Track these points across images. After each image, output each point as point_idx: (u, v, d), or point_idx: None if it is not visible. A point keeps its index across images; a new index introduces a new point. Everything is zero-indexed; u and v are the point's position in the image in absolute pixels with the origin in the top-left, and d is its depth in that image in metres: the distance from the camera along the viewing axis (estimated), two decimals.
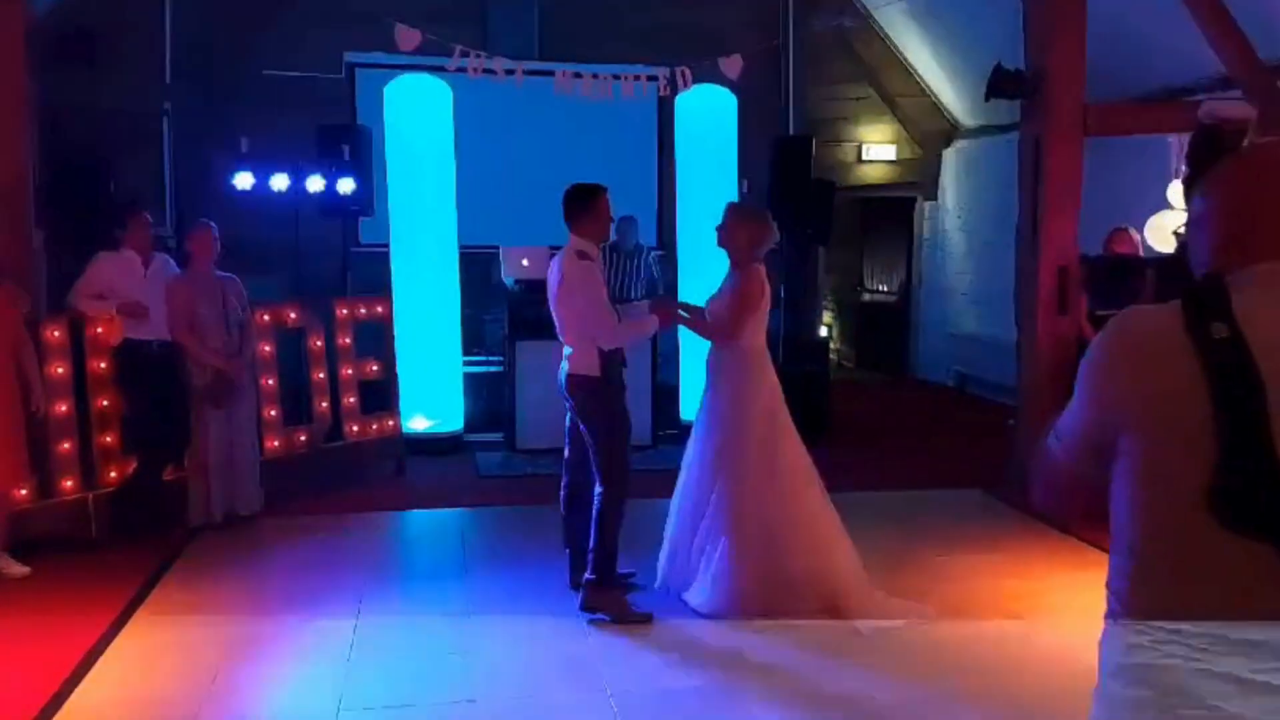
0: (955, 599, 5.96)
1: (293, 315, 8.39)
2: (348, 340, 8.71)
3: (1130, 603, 1.96)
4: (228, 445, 7.34)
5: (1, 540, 6.37)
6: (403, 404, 9.14)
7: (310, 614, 5.77)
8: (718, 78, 10.28)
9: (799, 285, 11.98)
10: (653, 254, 10.98)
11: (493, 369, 10.69)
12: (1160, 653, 1.89)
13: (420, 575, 6.59)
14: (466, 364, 10.41)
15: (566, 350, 5.82)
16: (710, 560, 5.74)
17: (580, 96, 9.39)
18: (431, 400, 9.88)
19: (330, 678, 4.97)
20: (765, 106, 12.40)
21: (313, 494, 8.13)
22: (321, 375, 8.56)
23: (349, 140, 9.78)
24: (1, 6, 6.95)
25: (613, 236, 10.67)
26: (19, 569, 6.30)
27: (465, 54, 8.92)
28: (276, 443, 8.14)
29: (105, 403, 7.18)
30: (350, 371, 8.72)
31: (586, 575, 5.75)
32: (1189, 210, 2.14)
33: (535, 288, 9.85)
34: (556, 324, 5.89)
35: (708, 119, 10.44)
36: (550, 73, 9.36)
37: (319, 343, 8.56)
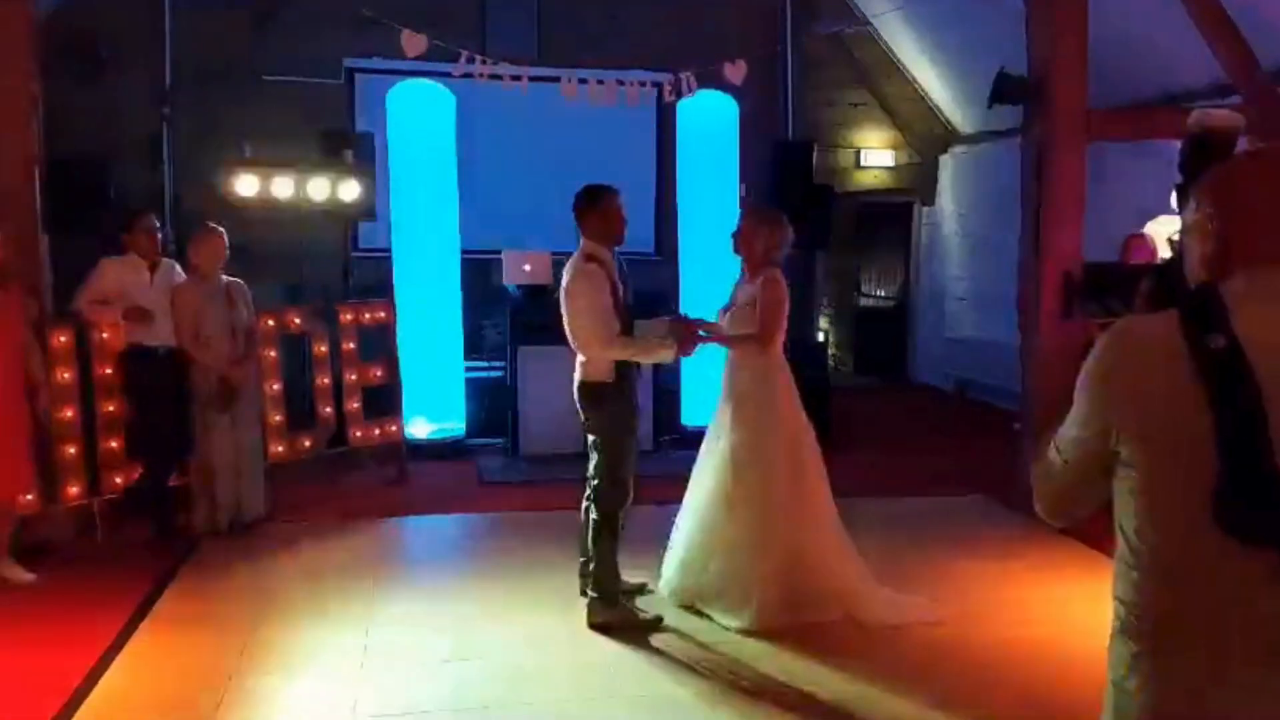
0: (964, 606, 5.95)
1: (296, 320, 8.39)
2: (351, 345, 8.70)
3: (1136, 613, 1.98)
4: (233, 451, 7.31)
5: (6, 546, 6.35)
6: (405, 409, 9.12)
7: (321, 620, 5.75)
8: (718, 83, 10.28)
9: (797, 290, 11.94)
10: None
11: (494, 374, 10.68)
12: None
13: (429, 581, 6.55)
14: (468, 369, 10.39)
15: (580, 358, 5.75)
16: (734, 575, 5.66)
17: (584, 102, 9.37)
18: (434, 405, 9.87)
19: (344, 685, 4.96)
20: (764, 112, 12.41)
21: (316, 499, 8.13)
22: (325, 380, 8.55)
23: (351, 145, 9.77)
24: (8, 7, 6.91)
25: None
26: (25, 576, 6.28)
27: (471, 59, 8.89)
28: (281, 448, 8.13)
29: (110, 408, 7.17)
30: (354, 376, 8.71)
31: (590, 592, 5.73)
32: (1182, 218, 2.16)
33: (537, 292, 9.88)
34: (568, 333, 5.79)
35: (709, 124, 10.45)
36: (554, 79, 9.34)
37: (322, 348, 8.55)
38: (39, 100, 7.19)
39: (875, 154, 14.45)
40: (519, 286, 10.05)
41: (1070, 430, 2.10)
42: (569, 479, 8.70)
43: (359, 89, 12.07)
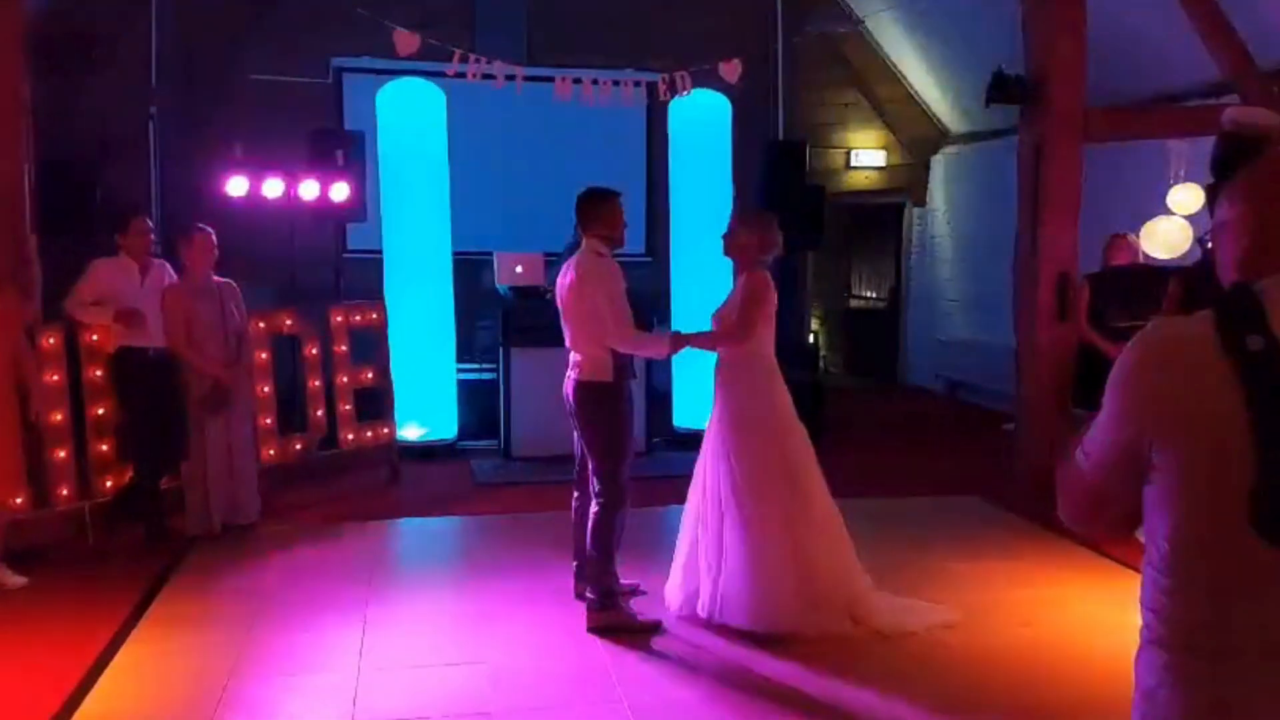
0: (964, 608, 5.89)
1: (288, 322, 8.31)
2: (343, 347, 8.64)
3: (1169, 621, 1.92)
4: (225, 453, 7.25)
5: None
6: (397, 411, 9.06)
7: (316, 624, 5.69)
8: (711, 82, 10.24)
9: (788, 291, 11.90)
10: None
11: (486, 376, 10.63)
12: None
13: (424, 584, 6.49)
14: (460, 371, 10.33)
15: (573, 358, 5.69)
16: (739, 580, 5.56)
17: (576, 102, 9.30)
18: (426, 407, 9.81)
19: (341, 689, 4.90)
20: (754, 112, 12.36)
21: (309, 502, 8.08)
22: (317, 383, 8.48)
23: (342, 145, 9.71)
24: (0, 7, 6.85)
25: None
26: (16, 580, 6.19)
27: (464, 59, 8.82)
28: (272, 451, 8.07)
29: (101, 411, 7.09)
30: (345, 379, 8.65)
31: (589, 596, 5.67)
32: (1213, 218, 2.10)
33: (529, 294, 9.84)
34: (565, 331, 5.73)
35: (702, 124, 10.40)
36: (547, 78, 9.28)
37: (314, 350, 8.48)
38: (29, 101, 7.12)
39: (866, 154, 14.43)
40: (511, 288, 9.99)
41: (1100, 434, 2.03)
42: (562, 480, 8.67)
43: (348, 89, 12.01)
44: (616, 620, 5.59)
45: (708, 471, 5.73)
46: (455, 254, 10.24)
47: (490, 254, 10.41)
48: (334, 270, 10.13)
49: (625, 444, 5.67)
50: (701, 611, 5.66)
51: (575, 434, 5.83)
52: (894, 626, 5.58)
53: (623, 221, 5.72)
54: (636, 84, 9.53)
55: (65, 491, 6.86)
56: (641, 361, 7.47)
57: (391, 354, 9.00)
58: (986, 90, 8.33)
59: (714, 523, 5.64)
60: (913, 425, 12.09)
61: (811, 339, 13.58)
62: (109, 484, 7.08)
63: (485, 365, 10.85)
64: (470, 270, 11.10)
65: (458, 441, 10.07)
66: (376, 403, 8.90)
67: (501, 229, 11.49)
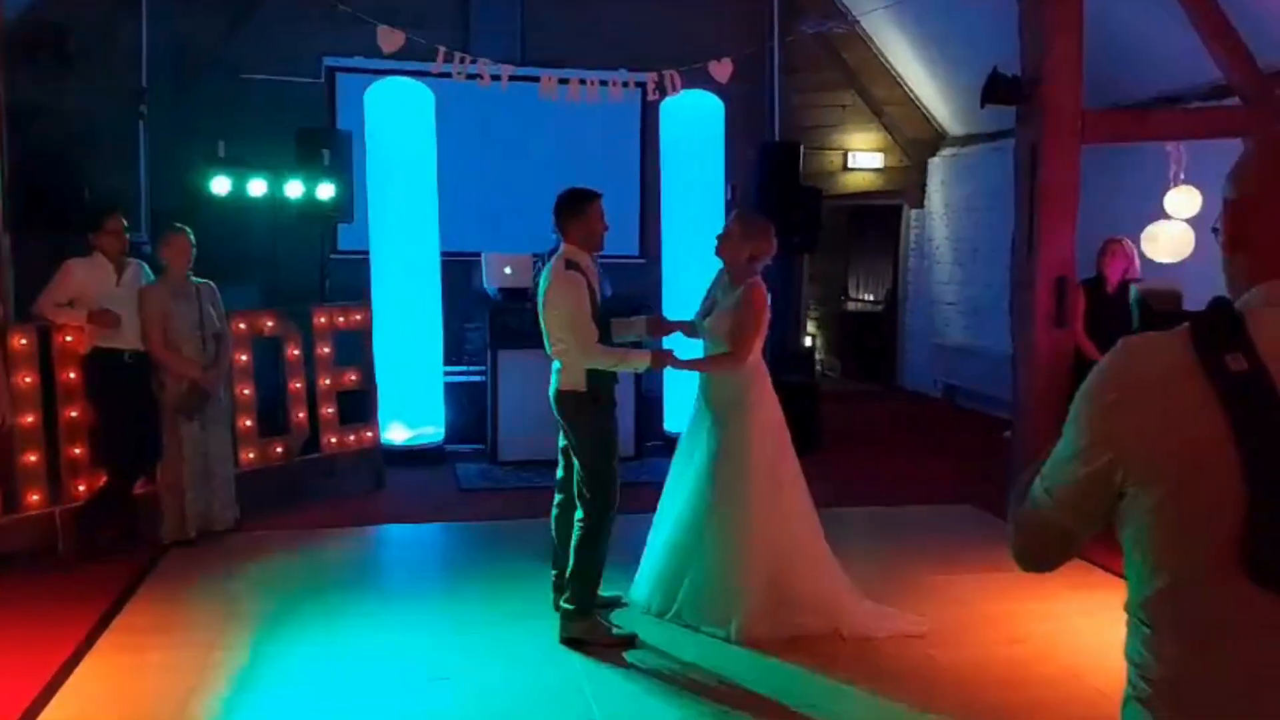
0: (956, 621, 5.79)
1: (270, 323, 8.16)
2: (326, 349, 8.48)
3: (1153, 678, 1.71)
4: (202, 458, 7.10)
5: None
6: (381, 414, 8.91)
7: (288, 635, 5.54)
8: (704, 83, 10.10)
9: (784, 294, 11.79)
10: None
11: (474, 379, 10.48)
12: None
13: (401, 594, 6.35)
14: (447, 373, 10.18)
15: (555, 364, 5.56)
16: (715, 586, 5.48)
17: (565, 102, 9.16)
18: (411, 410, 9.66)
19: (310, 704, 4.76)
20: (749, 113, 12.23)
21: (289, 508, 7.93)
22: (299, 385, 8.33)
23: (329, 145, 9.56)
24: None
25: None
26: None
27: (449, 58, 8.67)
28: (252, 455, 7.91)
29: (74, 414, 6.92)
30: (328, 381, 8.49)
31: (564, 604, 5.53)
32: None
33: (518, 296, 9.69)
34: (546, 338, 5.61)
35: (694, 124, 10.24)
36: (534, 78, 9.13)
37: (296, 352, 8.32)
38: (2, 98, 6.98)
39: (863, 156, 14.26)
40: (500, 289, 9.85)
41: (1065, 467, 1.80)
42: (548, 485, 8.56)
43: (340, 88, 11.86)
44: (590, 632, 5.46)
45: (689, 473, 5.63)
46: (443, 255, 10.08)
47: (479, 255, 10.26)
48: (319, 271, 9.98)
49: (606, 452, 5.54)
50: (668, 608, 5.64)
51: (559, 440, 5.72)
52: (860, 632, 5.50)
53: (602, 225, 5.57)
54: (626, 84, 9.37)
55: (36, 497, 6.70)
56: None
57: (378, 356, 8.84)
58: (982, 91, 8.17)
59: (693, 524, 5.54)
60: (909, 431, 11.94)
61: (808, 342, 13.44)
62: (81, 489, 6.91)
63: (473, 368, 10.70)
64: (458, 271, 10.96)
65: (444, 445, 9.91)
66: (360, 406, 8.74)
67: (490, 230, 11.34)
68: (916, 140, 14.34)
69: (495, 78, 8.77)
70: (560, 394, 5.50)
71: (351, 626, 5.69)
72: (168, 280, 7.07)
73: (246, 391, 7.89)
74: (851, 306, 15.97)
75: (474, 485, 8.92)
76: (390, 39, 8.29)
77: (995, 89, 8.12)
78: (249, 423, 7.90)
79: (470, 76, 8.76)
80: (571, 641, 5.44)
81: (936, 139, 14.28)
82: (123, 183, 10.66)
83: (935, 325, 14.17)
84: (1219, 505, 1.58)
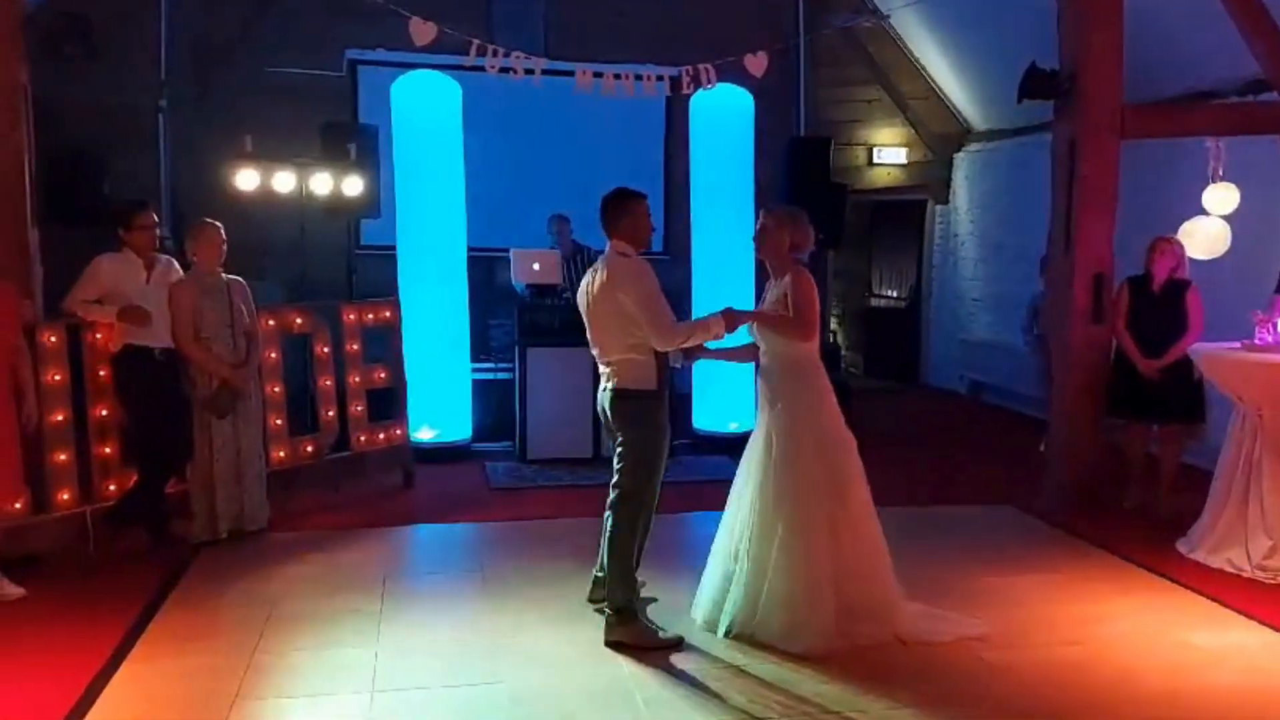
0: (1010, 624, 5.68)
1: (299, 320, 8.07)
2: (355, 346, 8.40)
3: None
4: (233, 457, 7.02)
5: None
6: (410, 412, 8.81)
7: (327, 638, 5.45)
8: (733, 77, 9.99)
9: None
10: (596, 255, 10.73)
11: (500, 376, 10.39)
12: None
13: (438, 595, 6.21)
14: (475, 371, 10.09)
15: (605, 369, 5.44)
16: (784, 596, 5.32)
17: (596, 96, 9.04)
18: (439, 408, 9.57)
19: (355, 709, 4.66)
20: (775, 108, 12.11)
21: (320, 507, 7.87)
22: (328, 382, 8.23)
23: (355, 139, 9.46)
24: None
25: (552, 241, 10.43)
26: (14, 590, 5.95)
27: (482, 50, 8.54)
28: (282, 453, 7.83)
29: (104, 412, 6.85)
30: (358, 379, 8.41)
31: (606, 609, 5.44)
32: None
33: (546, 292, 9.60)
34: (592, 338, 5.48)
35: (724, 119, 10.11)
36: (567, 72, 9.01)
37: (325, 349, 8.23)
38: (28, 92, 6.90)
39: (888, 151, 14.17)
40: (528, 286, 9.75)
41: None
42: (578, 484, 8.50)
43: (362, 81, 11.78)
44: (636, 635, 5.36)
45: (752, 482, 5.48)
46: (470, 250, 9.98)
47: (506, 251, 10.15)
48: (347, 267, 9.88)
49: (661, 456, 5.47)
50: (735, 626, 5.44)
51: (611, 441, 5.60)
52: (921, 635, 5.40)
53: (650, 224, 5.52)
54: (659, 78, 9.24)
55: (66, 496, 6.64)
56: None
57: (406, 353, 8.75)
58: (1020, 85, 8.06)
59: (759, 536, 5.39)
60: (937, 429, 11.83)
61: (831, 339, 13.33)
62: (112, 488, 6.84)
63: (501, 365, 10.61)
64: (486, 267, 10.88)
65: (473, 443, 9.83)
66: (390, 403, 8.66)
67: (518, 225, 11.23)
68: (942, 135, 14.22)
69: (529, 72, 8.64)
70: (620, 394, 5.36)
71: (387, 627, 5.60)
72: (198, 276, 6.98)
73: (277, 389, 7.80)
74: (875, 302, 15.85)
75: (504, 484, 8.83)
76: (423, 31, 8.15)
77: (1033, 83, 8.03)
78: (279, 421, 7.82)
79: (504, 70, 8.62)
80: (615, 644, 5.33)
81: (962, 134, 14.16)
82: (143, 176, 10.59)
83: (960, 321, 14.06)
84: None
